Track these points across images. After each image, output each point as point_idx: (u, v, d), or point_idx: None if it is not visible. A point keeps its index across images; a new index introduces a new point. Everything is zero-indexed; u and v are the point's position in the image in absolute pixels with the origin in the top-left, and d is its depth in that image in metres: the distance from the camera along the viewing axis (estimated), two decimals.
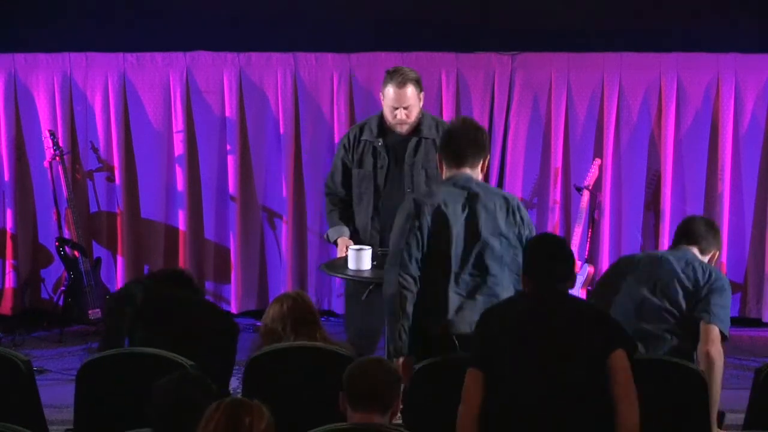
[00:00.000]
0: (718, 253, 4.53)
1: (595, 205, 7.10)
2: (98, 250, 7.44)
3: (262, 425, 3.06)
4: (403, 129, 5.37)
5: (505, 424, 3.61)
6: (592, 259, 7.18)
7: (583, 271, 6.91)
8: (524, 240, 4.29)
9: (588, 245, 7.10)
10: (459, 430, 3.66)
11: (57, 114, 7.25)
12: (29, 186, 7.41)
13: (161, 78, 7.27)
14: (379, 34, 7.22)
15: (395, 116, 5.34)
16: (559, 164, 7.26)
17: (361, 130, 5.52)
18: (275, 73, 7.28)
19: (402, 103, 5.30)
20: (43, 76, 7.25)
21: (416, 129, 5.39)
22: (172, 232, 7.43)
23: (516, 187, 7.24)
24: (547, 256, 3.76)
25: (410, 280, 4.23)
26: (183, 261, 7.33)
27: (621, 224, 7.32)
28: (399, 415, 3.69)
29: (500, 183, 7.26)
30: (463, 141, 4.35)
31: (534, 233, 4.34)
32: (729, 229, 7.23)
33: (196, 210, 7.42)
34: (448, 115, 7.04)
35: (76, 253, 7.01)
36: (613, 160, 7.25)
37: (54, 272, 7.47)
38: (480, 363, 3.67)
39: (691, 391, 4.02)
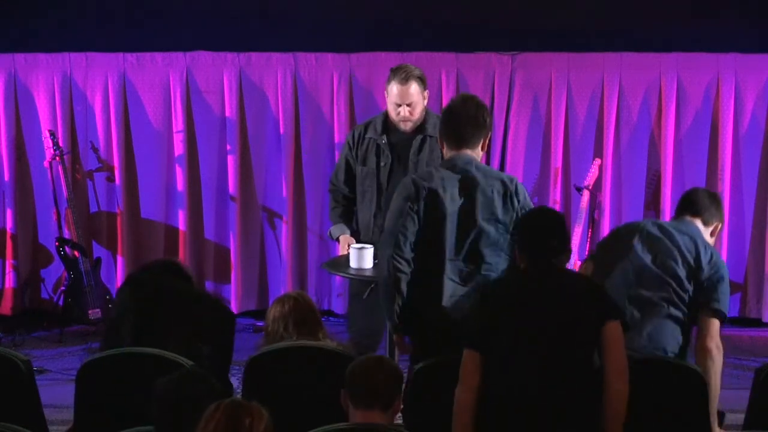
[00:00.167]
0: (720, 225, 4.48)
1: (595, 205, 7.10)
2: (98, 250, 7.44)
3: (261, 426, 3.05)
4: (407, 126, 5.37)
5: (503, 402, 3.61)
6: None
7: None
8: None
9: (588, 245, 7.09)
10: (457, 412, 3.65)
11: (57, 114, 7.25)
12: (29, 186, 7.41)
13: (161, 78, 7.27)
14: (379, 34, 7.23)
15: (399, 113, 5.34)
16: (559, 164, 7.26)
17: (366, 128, 5.53)
18: (275, 73, 7.28)
19: (405, 100, 5.30)
20: (43, 76, 7.25)
21: (420, 127, 5.38)
22: (172, 232, 7.43)
23: None
24: (541, 232, 3.75)
25: (404, 262, 4.23)
26: (183, 261, 7.32)
27: (621, 224, 7.32)
28: (399, 414, 3.69)
29: None
30: (463, 120, 4.32)
31: None
32: (729, 229, 7.23)
33: (196, 210, 7.42)
34: None
35: (76, 253, 7.02)
36: (613, 160, 7.26)
37: (54, 272, 7.48)
38: (476, 343, 3.67)
39: (691, 391, 4.01)
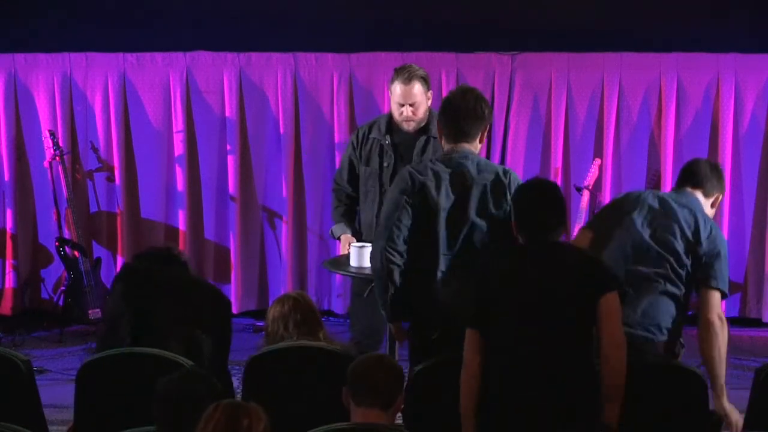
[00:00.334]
0: (721, 196, 4.44)
1: (595, 205, 7.10)
2: (98, 250, 7.44)
3: (260, 427, 3.06)
4: (410, 127, 5.36)
5: (502, 377, 3.61)
6: None
7: None
8: None
9: None
10: (462, 393, 3.65)
11: (57, 114, 7.25)
12: (29, 186, 7.42)
13: (161, 78, 7.28)
14: (379, 34, 7.23)
15: (401, 113, 5.33)
16: (559, 164, 7.26)
17: (370, 128, 5.53)
18: (275, 73, 7.28)
19: (408, 100, 5.30)
20: (43, 76, 7.26)
21: (424, 128, 5.37)
22: (172, 232, 7.43)
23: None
24: (535, 206, 3.73)
25: (396, 254, 4.24)
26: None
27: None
28: (399, 414, 3.69)
29: None
30: (462, 114, 4.29)
31: None
32: (729, 229, 7.23)
33: (196, 210, 7.42)
34: None
35: (76, 253, 7.02)
36: (613, 160, 7.26)
37: (54, 272, 7.48)
38: (475, 322, 3.67)
39: (691, 392, 4.01)
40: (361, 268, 5.04)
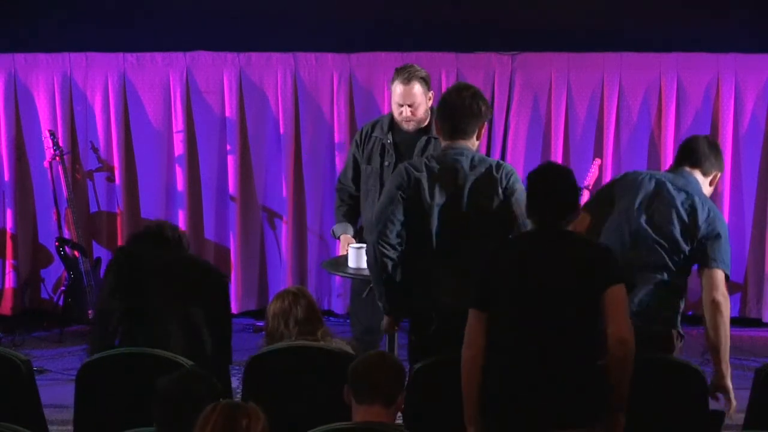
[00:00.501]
0: (719, 174, 4.41)
1: None
2: (98, 250, 7.44)
3: (258, 427, 3.06)
4: (410, 127, 5.36)
5: (504, 362, 3.60)
6: None
7: None
8: (511, 207, 4.22)
9: None
10: (464, 373, 3.64)
11: (57, 114, 7.25)
12: (29, 186, 7.42)
13: (161, 78, 7.28)
14: (379, 34, 7.23)
15: (401, 113, 5.34)
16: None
17: (373, 126, 5.53)
18: (275, 73, 7.28)
19: (407, 101, 5.30)
20: (43, 76, 7.26)
21: (426, 128, 5.38)
22: None
23: None
24: (546, 193, 3.69)
25: (389, 247, 4.25)
26: None
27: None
28: (399, 414, 3.69)
29: None
30: (458, 111, 4.29)
31: (520, 199, 4.21)
32: (729, 229, 7.20)
33: (196, 210, 7.42)
34: None
35: (76, 253, 7.02)
36: (613, 160, 7.25)
37: (54, 272, 7.48)
38: (480, 303, 3.66)
39: (691, 391, 4.01)
40: (359, 269, 5.04)
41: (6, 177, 7.29)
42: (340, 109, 7.26)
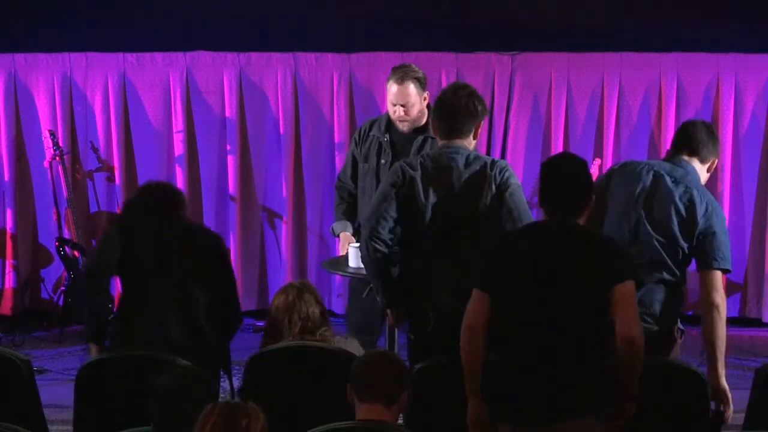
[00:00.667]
0: (717, 160, 4.39)
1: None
2: None
3: (258, 427, 3.06)
4: (404, 126, 5.36)
5: (506, 352, 3.58)
6: None
7: None
8: (506, 203, 4.23)
9: None
10: (464, 347, 3.63)
11: (57, 114, 7.25)
12: (29, 186, 7.42)
13: (161, 78, 7.28)
14: (379, 34, 7.23)
15: (394, 112, 5.34)
16: None
17: (372, 125, 5.54)
18: (275, 73, 7.28)
19: (400, 101, 5.29)
20: (43, 76, 7.26)
21: (423, 128, 5.38)
22: None
23: None
24: (557, 186, 3.66)
25: (381, 243, 4.28)
26: None
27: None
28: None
29: None
30: (454, 111, 4.31)
31: (515, 193, 4.26)
32: (729, 229, 7.18)
33: (196, 210, 7.41)
34: None
35: (76, 253, 7.02)
36: (613, 160, 7.25)
37: (54, 272, 7.48)
38: (484, 284, 3.63)
39: (691, 391, 4.01)
40: (359, 268, 5.04)
41: (6, 177, 7.29)
42: (340, 109, 7.26)
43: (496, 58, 7.25)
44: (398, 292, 4.37)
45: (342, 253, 5.47)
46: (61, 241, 7.03)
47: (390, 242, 4.29)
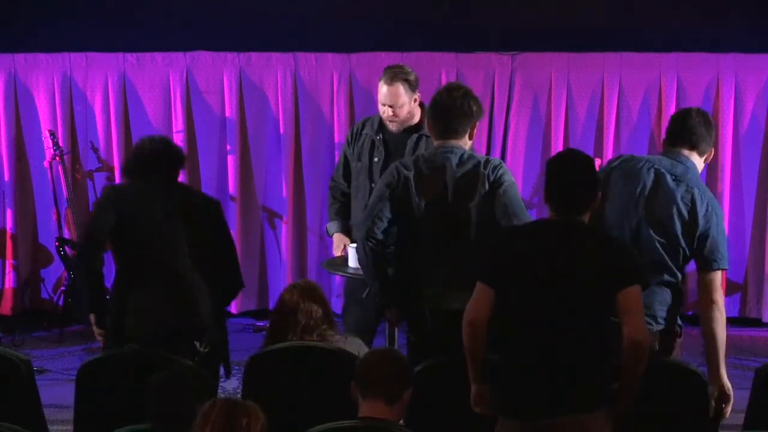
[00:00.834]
0: (713, 150, 4.37)
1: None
2: None
3: (258, 426, 3.06)
4: (392, 127, 5.35)
5: (508, 351, 3.58)
6: None
7: None
8: (499, 200, 4.24)
9: None
10: (466, 342, 3.61)
11: (57, 114, 7.26)
12: (29, 186, 7.42)
13: (161, 78, 7.28)
14: (379, 34, 7.23)
15: (384, 112, 5.35)
16: None
17: (364, 124, 5.54)
18: (275, 73, 7.28)
19: (388, 101, 5.29)
20: (43, 76, 7.26)
21: (416, 126, 5.37)
22: None
23: None
24: (562, 182, 3.63)
25: (377, 243, 4.30)
26: None
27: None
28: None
29: None
30: (449, 112, 4.32)
31: (509, 190, 4.25)
32: (729, 229, 7.21)
33: None
34: None
35: (76, 253, 7.02)
36: None
37: (54, 272, 7.48)
38: (488, 279, 3.61)
39: (691, 391, 4.01)
40: (358, 268, 5.04)
41: (6, 177, 7.30)
42: (340, 109, 7.26)
43: (496, 58, 7.25)
44: (395, 292, 4.39)
45: (336, 253, 5.50)
46: (61, 241, 7.03)
47: (386, 242, 4.31)
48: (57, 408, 5.04)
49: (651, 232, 4.17)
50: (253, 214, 7.48)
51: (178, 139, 7.29)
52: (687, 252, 4.18)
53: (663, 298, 4.18)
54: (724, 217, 4.33)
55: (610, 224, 4.21)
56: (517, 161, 7.27)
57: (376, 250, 4.31)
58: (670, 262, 4.17)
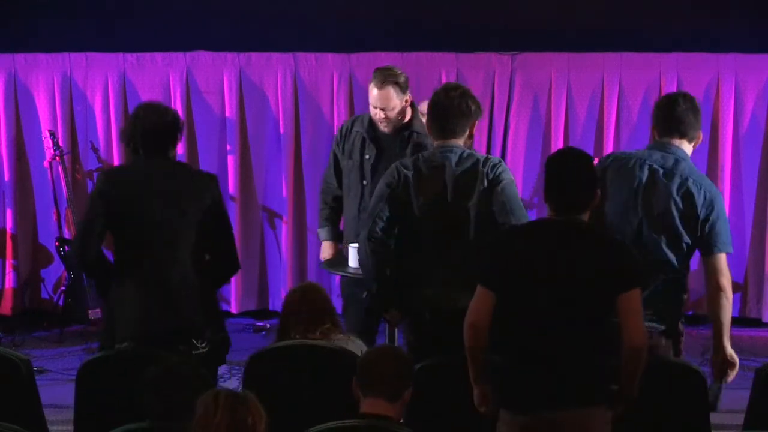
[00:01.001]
0: (701, 134, 4.35)
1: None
2: None
3: (262, 426, 3.06)
4: (384, 128, 5.35)
5: (508, 350, 3.58)
6: None
7: None
8: (498, 198, 4.24)
9: None
10: (467, 345, 3.60)
11: (57, 114, 7.26)
12: (29, 186, 7.42)
13: (161, 78, 7.28)
14: (379, 34, 7.23)
15: (375, 114, 5.35)
16: None
17: (354, 122, 5.55)
18: (275, 73, 7.28)
19: (378, 104, 5.28)
20: (43, 76, 7.26)
21: (407, 124, 5.37)
22: None
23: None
24: (561, 181, 3.62)
25: (378, 244, 4.32)
26: None
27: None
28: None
29: None
30: (448, 112, 4.33)
31: (507, 188, 4.26)
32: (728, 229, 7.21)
33: None
34: None
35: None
36: None
37: (54, 272, 7.48)
38: (487, 281, 3.60)
39: (691, 391, 4.01)
40: (359, 268, 5.05)
41: (6, 177, 7.30)
42: (340, 109, 7.26)
43: (496, 58, 7.25)
44: (394, 294, 4.39)
45: (323, 258, 5.59)
46: (61, 241, 7.03)
47: (387, 242, 4.32)
48: (57, 408, 5.03)
49: (652, 231, 4.17)
50: (253, 214, 7.48)
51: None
52: (690, 244, 4.18)
53: (666, 295, 4.18)
54: (723, 200, 4.32)
55: (610, 224, 4.21)
56: (517, 161, 7.27)
57: (378, 251, 4.32)
58: (673, 260, 4.17)
